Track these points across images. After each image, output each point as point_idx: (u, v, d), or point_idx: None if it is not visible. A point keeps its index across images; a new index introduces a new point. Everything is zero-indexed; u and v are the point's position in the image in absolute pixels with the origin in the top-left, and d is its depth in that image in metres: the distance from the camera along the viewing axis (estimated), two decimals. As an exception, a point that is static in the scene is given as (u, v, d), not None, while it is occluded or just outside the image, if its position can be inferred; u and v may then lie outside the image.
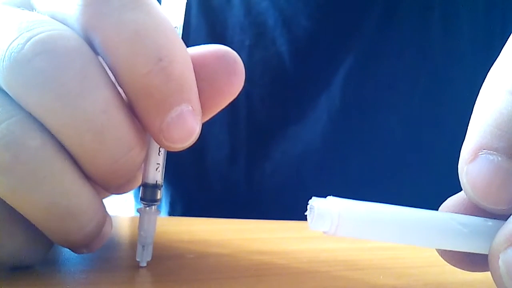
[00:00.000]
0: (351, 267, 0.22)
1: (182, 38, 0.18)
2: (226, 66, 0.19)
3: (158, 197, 0.19)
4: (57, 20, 0.16)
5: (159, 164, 0.18)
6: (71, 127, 0.15)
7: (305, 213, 0.14)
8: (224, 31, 0.40)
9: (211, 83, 0.19)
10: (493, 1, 0.41)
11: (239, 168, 0.40)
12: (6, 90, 0.16)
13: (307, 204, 0.14)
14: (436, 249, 0.16)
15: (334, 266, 0.22)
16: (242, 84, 0.19)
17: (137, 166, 0.18)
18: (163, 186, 0.20)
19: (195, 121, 0.17)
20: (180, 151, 0.18)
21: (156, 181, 0.18)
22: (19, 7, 0.17)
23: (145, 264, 0.19)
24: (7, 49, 0.15)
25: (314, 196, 0.14)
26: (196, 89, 0.17)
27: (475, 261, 0.16)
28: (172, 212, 0.42)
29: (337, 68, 0.39)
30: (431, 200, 0.17)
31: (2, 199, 0.16)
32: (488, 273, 0.14)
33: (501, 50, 0.15)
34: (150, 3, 0.16)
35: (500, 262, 0.13)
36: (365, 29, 0.39)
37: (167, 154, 0.19)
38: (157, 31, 0.16)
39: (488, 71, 0.15)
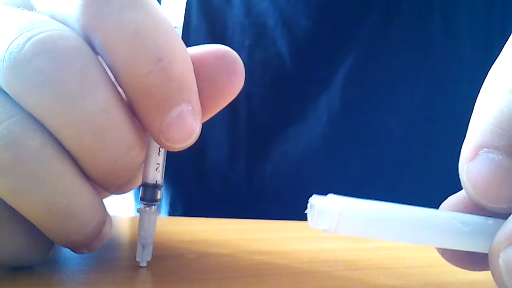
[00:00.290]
0: (351, 267, 0.22)
1: (182, 38, 0.18)
2: (226, 66, 0.19)
3: (158, 197, 0.19)
4: (57, 20, 0.16)
5: (159, 164, 0.18)
6: (71, 127, 0.15)
7: (305, 211, 0.14)
8: (224, 31, 0.40)
9: (211, 83, 0.19)
10: (493, 1, 0.41)
11: (239, 168, 0.40)
12: (6, 90, 0.16)
13: (307, 202, 0.14)
14: (436, 248, 0.16)
15: (334, 266, 0.22)
16: (242, 84, 0.19)
17: (137, 166, 0.18)
18: (163, 186, 0.20)
19: (195, 121, 0.17)
20: (180, 151, 0.18)
21: (156, 181, 0.18)
22: (19, 7, 0.17)
23: (145, 264, 0.19)
24: (7, 49, 0.15)
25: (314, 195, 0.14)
26: (196, 89, 0.17)
27: (475, 260, 0.16)
28: (172, 212, 0.42)
29: (337, 68, 0.39)
30: (431, 200, 0.17)
31: (2, 199, 0.16)
32: (489, 273, 0.14)
33: (501, 50, 0.15)
34: (150, 3, 0.16)
35: (500, 260, 0.13)
36: (365, 29, 0.39)
37: (167, 154, 0.19)
38: (157, 31, 0.16)
39: (488, 71, 0.15)
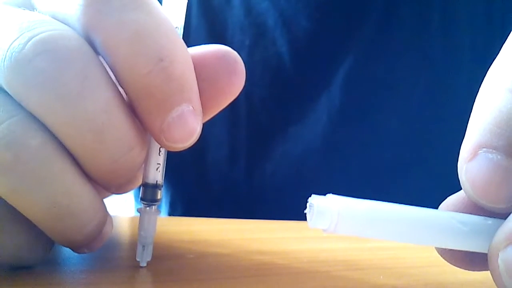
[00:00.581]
0: (351, 267, 0.22)
1: (182, 38, 0.18)
2: (227, 66, 0.19)
3: (158, 197, 0.19)
4: (58, 20, 0.16)
5: (159, 164, 0.18)
6: (71, 126, 0.15)
7: (305, 211, 0.14)
8: (224, 31, 0.40)
9: (211, 83, 0.19)
10: (493, 1, 0.41)
11: (239, 168, 0.40)
12: (7, 90, 0.16)
13: (307, 202, 0.14)
14: (436, 248, 0.16)
15: (334, 266, 0.22)
16: (243, 84, 0.19)
17: (138, 166, 0.18)
18: (163, 186, 0.20)
19: (195, 121, 0.17)
20: (181, 151, 0.18)
21: (157, 181, 0.18)
22: (20, 7, 0.17)
23: (145, 264, 0.19)
24: (8, 49, 0.15)
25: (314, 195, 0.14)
26: (196, 89, 0.17)
27: (474, 260, 0.16)
28: (172, 212, 0.42)
29: (337, 69, 0.39)
30: (430, 200, 0.17)
31: (3, 199, 0.16)
32: (488, 273, 0.14)
33: (501, 49, 0.15)
34: (151, 3, 0.17)
35: (499, 260, 0.13)
36: (365, 29, 0.39)
37: (167, 154, 0.19)
38: (158, 31, 0.16)
39: (488, 70, 0.15)
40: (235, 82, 0.19)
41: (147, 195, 0.19)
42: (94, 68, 0.16)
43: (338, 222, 0.13)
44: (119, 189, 0.19)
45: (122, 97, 0.17)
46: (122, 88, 0.17)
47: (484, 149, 0.13)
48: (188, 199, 0.42)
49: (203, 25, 0.40)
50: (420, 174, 0.40)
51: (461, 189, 0.15)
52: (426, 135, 0.40)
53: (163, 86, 0.16)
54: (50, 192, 0.16)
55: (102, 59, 0.17)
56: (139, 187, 0.19)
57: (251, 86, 0.39)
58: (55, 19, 0.17)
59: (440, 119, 0.40)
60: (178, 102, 0.16)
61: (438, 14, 0.40)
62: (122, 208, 0.49)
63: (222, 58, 0.19)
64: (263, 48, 0.40)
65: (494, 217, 0.14)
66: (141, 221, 0.19)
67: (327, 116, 0.39)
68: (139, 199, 0.19)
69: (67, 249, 0.18)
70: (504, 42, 0.15)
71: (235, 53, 0.19)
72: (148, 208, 0.19)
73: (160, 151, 0.18)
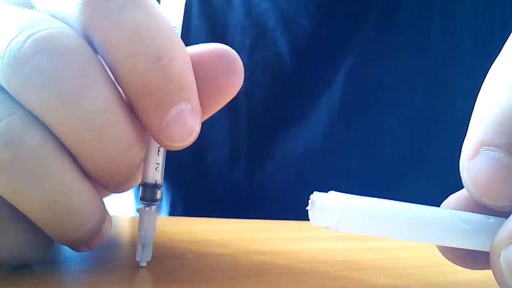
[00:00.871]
0: (351, 267, 0.22)
1: (182, 38, 0.18)
2: (226, 65, 0.19)
3: (158, 197, 0.19)
4: (57, 18, 0.16)
5: (158, 164, 0.18)
6: (70, 125, 0.15)
7: (306, 208, 0.14)
8: (224, 31, 0.40)
9: (210, 82, 0.19)
10: (493, 1, 0.41)
11: (239, 168, 0.40)
12: (6, 88, 0.16)
13: (309, 199, 0.14)
14: (437, 246, 0.16)
15: (334, 266, 0.22)
16: (242, 83, 0.19)
17: (137, 165, 0.18)
18: (164, 186, 0.20)
19: (194, 120, 0.17)
20: (180, 151, 0.18)
21: (156, 181, 0.18)
22: (19, 5, 0.17)
23: (145, 264, 0.19)
24: (7, 47, 0.15)
25: None
26: (195, 88, 0.17)
27: (476, 259, 0.16)
28: (172, 212, 0.42)
29: (338, 69, 0.39)
30: (432, 199, 0.17)
31: (2, 197, 0.16)
32: (489, 273, 0.14)
33: (501, 49, 0.15)
34: (149, 2, 0.16)
35: (501, 259, 0.13)
36: (365, 29, 0.39)
37: (167, 154, 0.19)
38: (157, 31, 0.16)
39: (488, 70, 0.15)
40: (234, 81, 0.19)
41: (147, 195, 0.19)
42: (93, 67, 0.16)
43: (340, 219, 0.13)
44: (118, 188, 0.19)
45: (121, 96, 0.17)
46: (121, 87, 0.17)
47: (486, 147, 0.13)
48: (188, 199, 0.42)
49: (203, 25, 0.41)
50: (420, 173, 0.40)
51: (462, 188, 0.15)
52: (426, 134, 0.40)
53: (162, 85, 0.16)
54: (49, 190, 0.15)
55: (100, 58, 0.16)
56: (139, 187, 0.19)
57: (251, 86, 0.39)
58: (54, 17, 0.17)
59: (440, 118, 0.40)
60: (177, 101, 0.16)
61: (438, 14, 0.40)
62: (122, 208, 0.49)
63: (221, 57, 0.19)
64: (263, 48, 0.40)
65: (496, 216, 0.14)
66: (141, 221, 0.19)
67: (327, 116, 0.39)
68: (139, 199, 0.19)
69: (67, 248, 0.18)
70: (504, 42, 0.15)
71: (234, 52, 0.19)
72: (147, 208, 0.19)
73: (159, 151, 0.18)
